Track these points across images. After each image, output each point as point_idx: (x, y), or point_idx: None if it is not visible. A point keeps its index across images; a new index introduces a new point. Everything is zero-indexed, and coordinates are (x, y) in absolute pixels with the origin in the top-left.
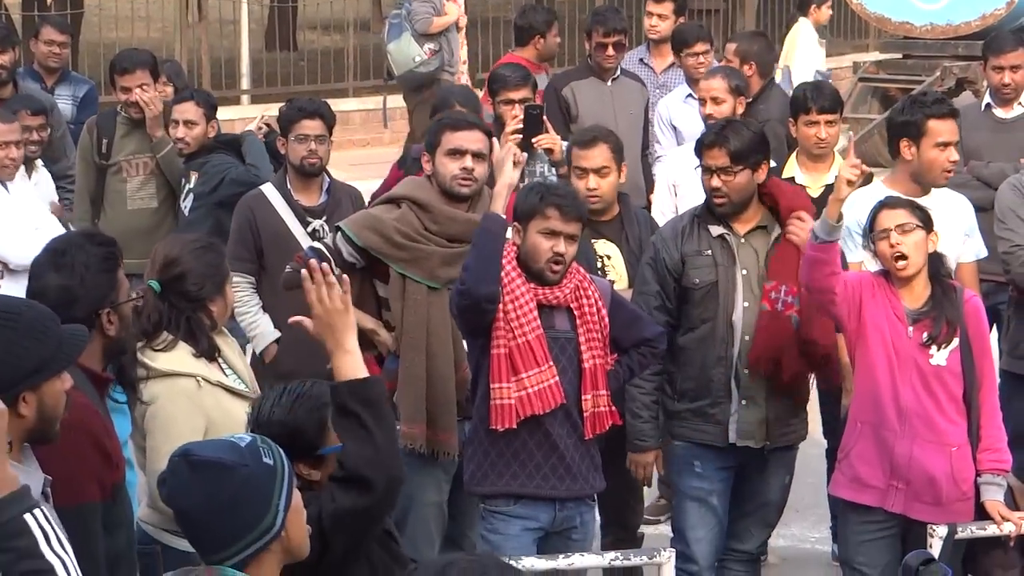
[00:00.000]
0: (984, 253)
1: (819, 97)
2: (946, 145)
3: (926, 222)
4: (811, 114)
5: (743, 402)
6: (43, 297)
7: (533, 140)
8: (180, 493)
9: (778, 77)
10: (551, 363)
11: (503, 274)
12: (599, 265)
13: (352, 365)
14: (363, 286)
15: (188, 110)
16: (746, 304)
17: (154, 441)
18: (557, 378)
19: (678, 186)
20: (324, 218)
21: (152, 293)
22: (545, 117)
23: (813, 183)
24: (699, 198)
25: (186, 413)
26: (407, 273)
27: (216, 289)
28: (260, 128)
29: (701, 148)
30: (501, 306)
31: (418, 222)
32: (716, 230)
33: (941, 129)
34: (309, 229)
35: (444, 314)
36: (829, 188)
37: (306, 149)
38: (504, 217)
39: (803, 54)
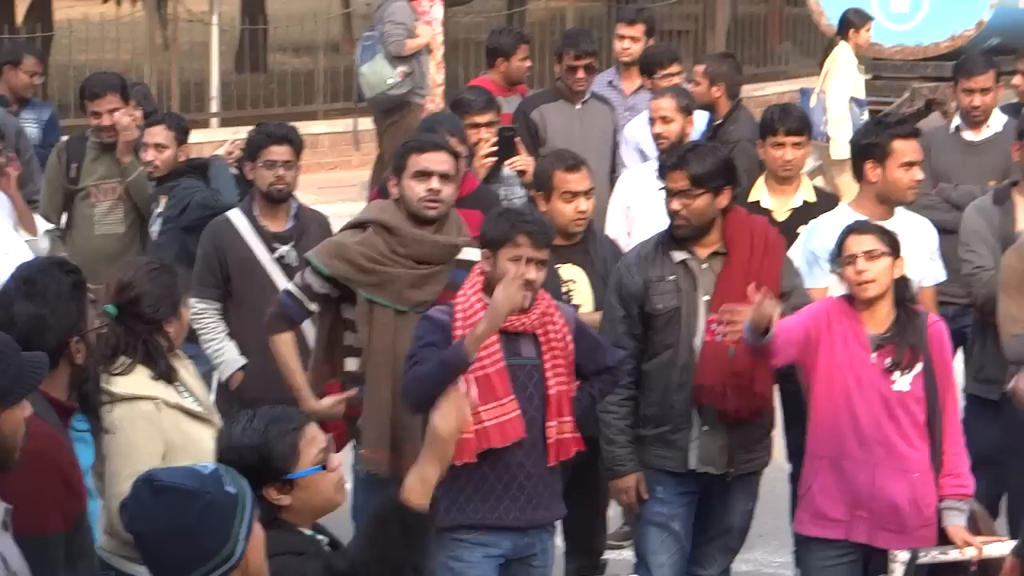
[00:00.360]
0: (943, 277)
1: (786, 119)
2: (911, 164)
3: (893, 247)
4: (778, 135)
5: (704, 428)
6: (13, 326)
7: (507, 162)
8: (142, 518)
9: (812, 102)
10: (512, 396)
11: (465, 304)
12: (564, 290)
13: (423, 492)
14: (334, 313)
15: (159, 134)
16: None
17: (114, 465)
18: (519, 412)
19: (630, 207)
20: (291, 243)
21: (109, 317)
22: (518, 139)
23: (779, 207)
24: (651, 220)
25: (146, 437)
26: (374, 297)
27: (172, 310)
28: (230, 152)
29: (663, 170)
30: (458, 337)
31: (384, 245)
32: (678, 255)
33: (906, 149)
34: (276, 255)
35: (410, 338)
36: (795, 212)
37: (273, 175)
38: (470, 360)
39: (840, 80)
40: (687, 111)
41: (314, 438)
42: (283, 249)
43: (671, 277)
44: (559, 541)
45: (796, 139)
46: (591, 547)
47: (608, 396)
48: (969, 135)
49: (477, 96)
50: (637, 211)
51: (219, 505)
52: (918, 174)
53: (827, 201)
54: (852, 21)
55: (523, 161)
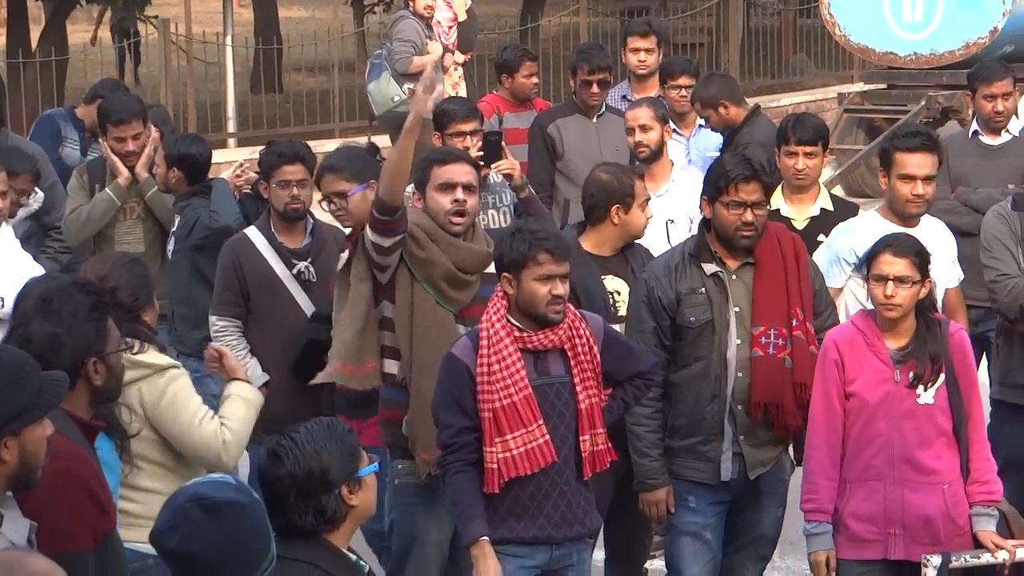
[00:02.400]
0: (962, 277)
1: (799, 128)
2: (910, 178)
3: (924, 271)
4: (790, 145)
5: (741, 437)
6: (29, 344)
7: (493, 165)
8: (198, 537)
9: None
10: (540, 421)
11: (490, 331)
12: (611, 301)
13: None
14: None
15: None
16: (739, 341)
17: (181, 417)
18: (547, 436)
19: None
20: (309, 260)
21: None
22: (503, 144)
23: (798, 215)
24: (688, 229)
25: (191, 390)
26: (417, 272)
27: (148, 299)
28: (239, 175)
29: (729, 181)
30: (487, 367)
31: (425, 236)
32: (710, 268)
33: (907, 162)
34: (294, 271)
35: (451, 341)
36: (814, 220)
37: (288, 195)
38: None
39: None
40: (663, 120)
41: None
42: (301, 265)
43: (702, 290)
44: (598, 554)
45: (808, 148)
46: (634, 558)
47: (638, 408)
48: (987, 140)
49: (460, 106)
50: (676, 226)
51: (260, 513)
52: (919, 188)
53: (845, 209)
54: None
55: (508, 165)
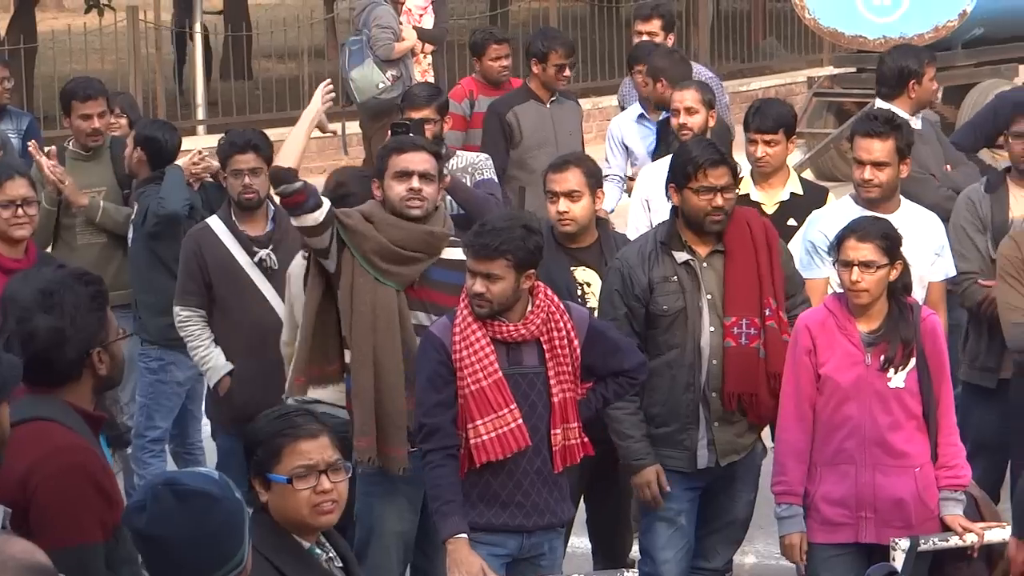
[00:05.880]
0: (953, 272)
1: (758, 117)
2: (860, 163)
3: (893, 254)
4: (750, 132)
5: (716, 424)
6: (33, 339)
7: None
8: (164, 521)
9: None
10: (512, 406)
11: (460, 319)
12: (579, 293)
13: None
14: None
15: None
16: (712, 329)
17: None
18: (520, 421)
19: (651, 200)
20: (270, 247)
21: None
22: (412, 135)
23: (768, 200)
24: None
25: None
26: (350, 244)
27: None
28: (195, 163)
29: (698, 168)
30: (458, 352)
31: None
32: (681, 256)
33: (858, 145)
34: (256, 259)
35: (391, 328)
36: (783, 204)
37: (241, 184)
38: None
39: None
40: (710, 105)
41: (304, 452)
42: (263, 253)
43: (674, 278)
44: (584, 542)
45: (768, 137)
46: (616, 548)
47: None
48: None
49: (421, 91)
50: (657, 204)
51: (235, 511)
52: (868, 173)
53: (816, 193)
54: None
55: None
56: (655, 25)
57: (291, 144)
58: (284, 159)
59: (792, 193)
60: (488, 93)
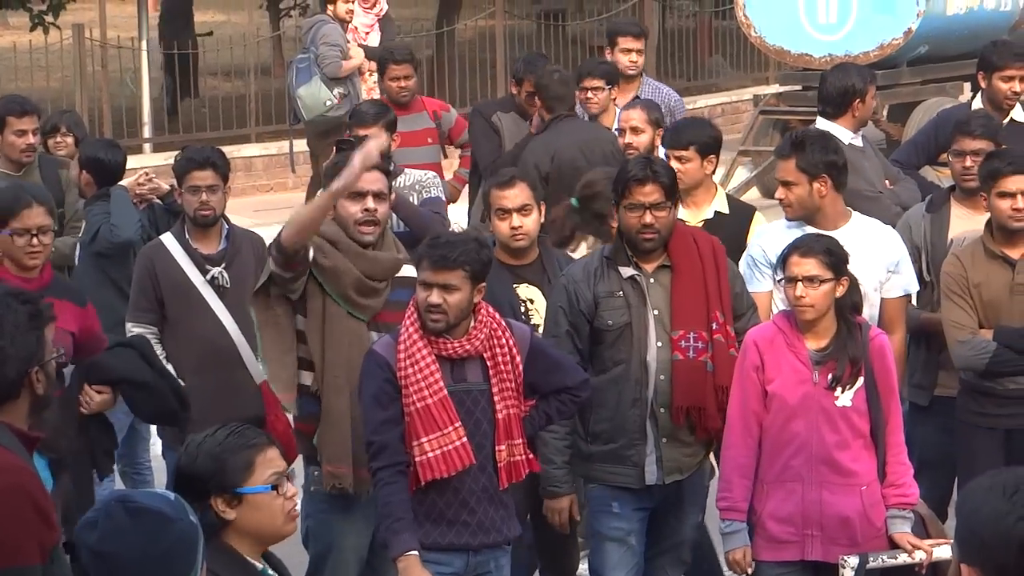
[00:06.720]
0: (915, 288)
1: (669, 134)
2: (781, 183)
3: (838, 269)
4: (665, 149)
5: (664, 440)
6: None
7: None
8: (115, 538)
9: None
10: (457, 424)
11: (405, 337)
12: (523, 310)
13: None
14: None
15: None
16: (659, 344)
17: None
18: (464, 439)
19: None
20: (223, 265)
21: None
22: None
23: (692, 218)
24: None
25: None
26: (325, 284)
27: None
28: (142, 184)
29: (626, 185)
30: (403, 370)
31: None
32: (627, 271)
33: (779, 166)
34: (208, 277)
35: (362, 356)
36: (707, 223)
37: (198, 201)
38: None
39: None
40: (657, 124)
41: (272, 460)
42: (215, 271)
43: (619, 293)
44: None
45: (678, 153)
46: (564, 567)
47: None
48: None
49: (370, 108)
50: None
51: (188, 533)
52: (780, 192)
53: (742, 211)
54: None
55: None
56: (643, 43)
57: (312, 222)
58: (301, 234)
59: (717, 212)
60: (397, 113)
